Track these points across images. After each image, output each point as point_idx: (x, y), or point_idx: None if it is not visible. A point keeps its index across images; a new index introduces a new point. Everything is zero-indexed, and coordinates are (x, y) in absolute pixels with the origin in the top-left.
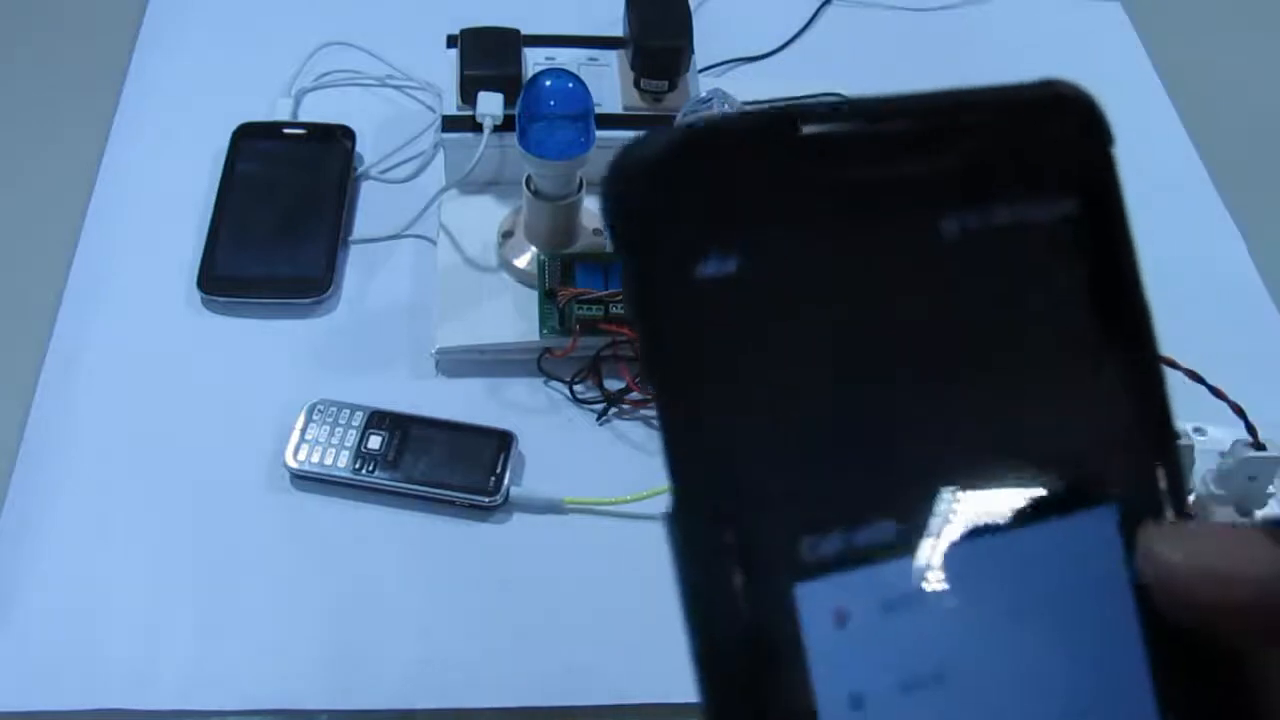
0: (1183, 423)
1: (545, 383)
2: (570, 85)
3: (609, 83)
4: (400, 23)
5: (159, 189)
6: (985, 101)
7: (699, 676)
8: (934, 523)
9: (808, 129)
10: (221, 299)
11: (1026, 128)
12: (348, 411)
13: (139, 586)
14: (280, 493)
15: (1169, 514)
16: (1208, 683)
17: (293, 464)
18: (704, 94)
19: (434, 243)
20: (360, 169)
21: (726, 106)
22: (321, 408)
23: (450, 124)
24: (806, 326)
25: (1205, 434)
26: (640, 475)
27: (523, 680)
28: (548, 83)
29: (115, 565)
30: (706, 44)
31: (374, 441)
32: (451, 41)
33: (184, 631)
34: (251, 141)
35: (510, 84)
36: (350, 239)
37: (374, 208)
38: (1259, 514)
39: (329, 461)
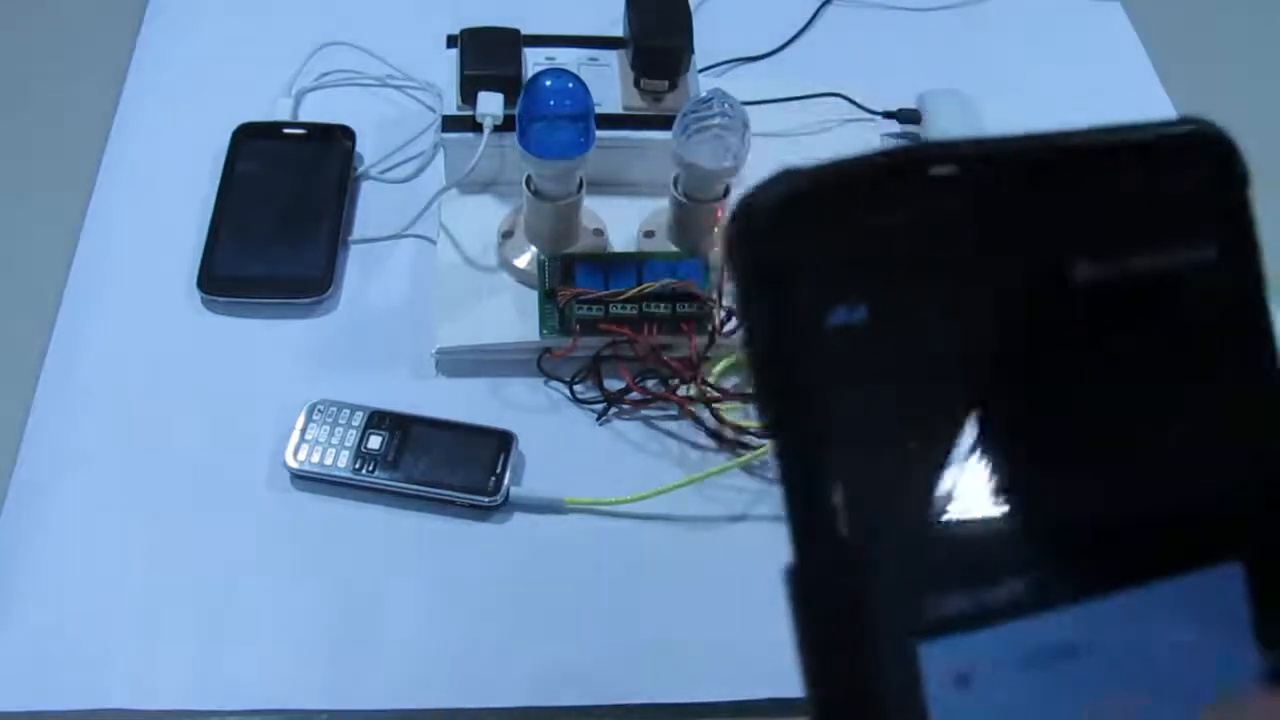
0: None
1: (545, 383)
2: (570, 85)
3: (609, 83)
4: (400, 23)
5: (159, 189)
6: (1122, 142)
7: None
8: (1064, 582)
9: (936, 171)
10: (221, 299)
11: (1165, 170)
12: (348, 411)
13: (139, 587)
14: (280, 493)
15: None
16: None
17: (293, 464)
18: (704, 94)
19: (434, 243)
20: (360, 169)
21: (727, 106)
22: (321, 408)
23: (450, 124)
24: (936, 376)
25: None
26: (640, 475)
27: (523, 680)
28: (548, 83)
29: (115, 565)
30: (706, 44)
31: (374, 441)
32: (451, 41)
33: (184, 632)
34: (251, 141)
35: (510, 84)
36: (350, 239)
37: (374, 208)
38: None
39: (329, 461)
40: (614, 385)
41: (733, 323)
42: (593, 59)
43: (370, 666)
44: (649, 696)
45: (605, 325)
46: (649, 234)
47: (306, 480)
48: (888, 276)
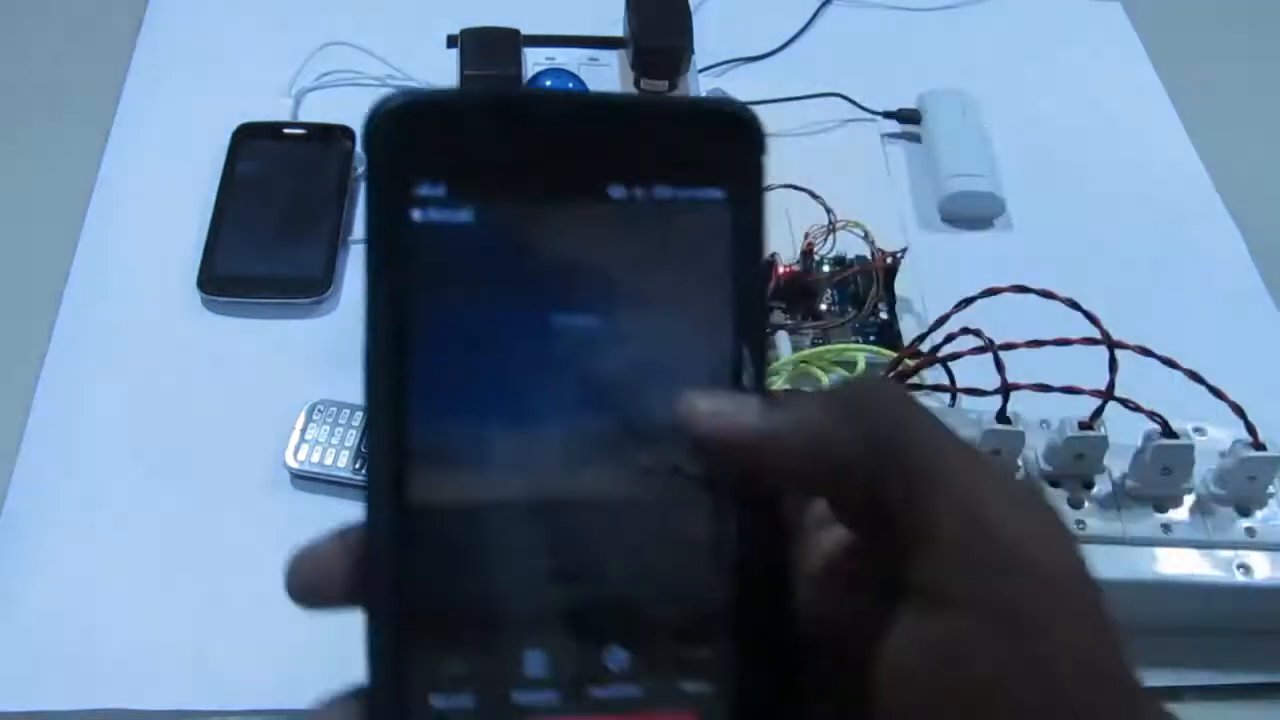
0: (1183, 423)
1: None
2: (570, 85)
3: (609, 83)
4: (400, 23)
5: (159, 189)
6: (666, 103)
7: None
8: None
9: (520, 111)
10: (221, 299)
11: (692, 125)
12: (348, 411)
13: (139, 586)
14: (280, 493)
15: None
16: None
17: (293, 464)
18: (704, 94)
19: None
20: (360, 169)
21: None
22: (321, 408)
23: None
24: (513, 283)
25: (1205, 434)
26: None
27: None
28: (548, 83)
29: (115, 565)
30: (706, 44)
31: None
32: (451, 41)
33: (183, 631)
34: (251, 141)
35: (510, 84)
36: (350, 239)
37: None
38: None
39: (329, 461)
40: None
41: None
42: (593, 59)
43: None
44: None
45: None
46: None
47: (306, 480)
48: (478, 185)
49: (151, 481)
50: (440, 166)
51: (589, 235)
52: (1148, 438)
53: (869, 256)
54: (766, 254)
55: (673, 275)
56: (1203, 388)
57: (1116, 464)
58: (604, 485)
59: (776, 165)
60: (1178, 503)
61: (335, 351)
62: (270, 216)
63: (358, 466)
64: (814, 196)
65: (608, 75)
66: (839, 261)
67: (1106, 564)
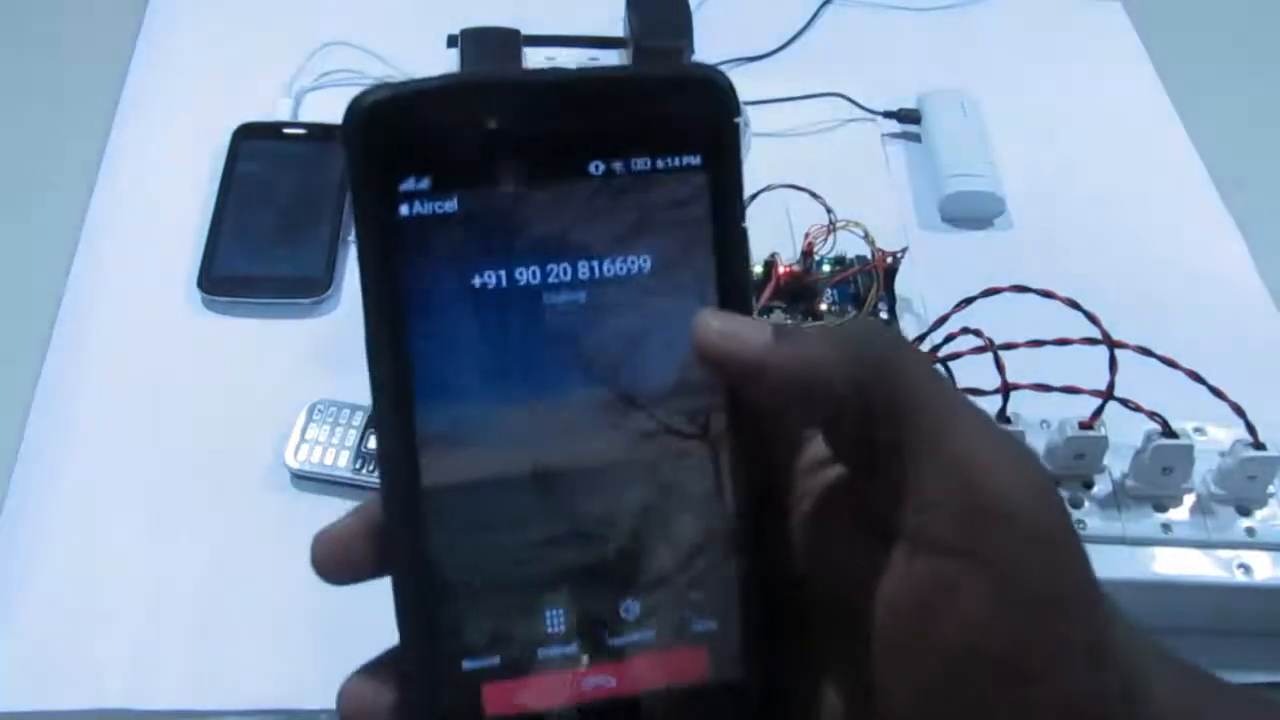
0: (1183, 423)
1: None
2: None
3: None
4: (400, 23)
5: (159, 189)
6: (638, 74)
7: None
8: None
9: (498, 94)
10: (221, 299)
11: (668, 96)
12: (348, 411)
13: (139, 586)
14: (280, 493)
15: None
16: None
17: (293, 464)
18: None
19: None
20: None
21: None
22: (321, 408)
23: None
24: (498, 255)
25: (1205, 434)
26: None
27: None
28: None
29: (115, 565)
30: (706, 44)
31: (374, 441)
32: (451, 41)
33: (184, 631)
34: (251, 141)
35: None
36: (350, 239)
37: None
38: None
39: (329, 461)
40: None
41: None
42: (593, 59)
43: None
44: None
45: None
46: None
47: (306, 480)
48: (460, 172)
49: (151, 481)
50: (420, 160)
51: (573, 211)
52: (1148, 438)
53: (869, 256)
54: (767, 254)
55: (658, 242)
56: (1203, 388)
57: (1116, 464)
58: (605, 448)
59: (777, 165)
60: (1178, 503)
61: (335, 351)
62: (270, 216)
63: (358, 466)
64: (814, 196)
65: None
66: (839, 261)
67: (1106, 564)
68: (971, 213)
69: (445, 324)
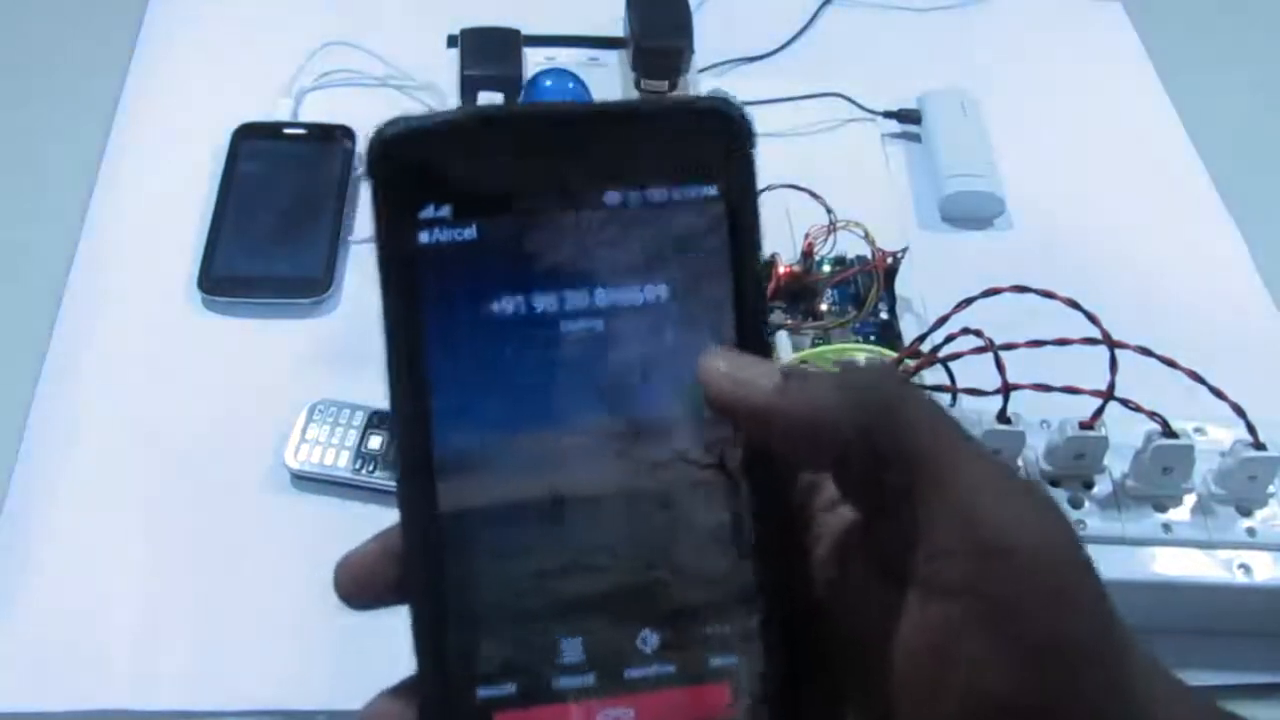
0: (1182, 423)
1: None
2: (570, 85)
3: (609, 83)
4: (400, 23)
5: (159, 189)
6: (651, 106)
7: None
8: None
9: (512, 128)
10: (221, 299)
11: (682, 126)
12: (348, 411)
13: (139, 586)
14: (280, 493)
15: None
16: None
17: (293, 464)
18: (705, 94)
19: None
20: (360, 169)
21: None
22: (321, 408)
23: None
24: (519, 287)
25: (1205, 434)
26: None
27: None
28: (548, 83)
29: (115, 565)
30: (706, 44)
31: (374, 441)
32: (451, 41)
33: (184, 632)
34: (251, 141)
35: (510, 84)
36: (350, 239)
37: None
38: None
39: (329, 461)
40: None
41: None
42: (593, 59)
43: (370, 666)
44: None
45: None
46: None
47: (306, 480)
48: (479, 202)
49: (152, 481)
50: (441, 188)
51: (590, 240)
52: (1148, 438)
53: (869, 256)
54: (766, 254)
55: (675, 271)
56: (1203, 388)
57: (1116, 464)
58: (623, 477)
59: (777, 165)
60: (1178, 503)
61: (335, 351)
62: (270, 216)
63: (358, 466)
64: (814, 196)
65: (608, 75)
66: (839, 261)
67: (1106, 564)
68: (971, 213)
69: (464, 350)
